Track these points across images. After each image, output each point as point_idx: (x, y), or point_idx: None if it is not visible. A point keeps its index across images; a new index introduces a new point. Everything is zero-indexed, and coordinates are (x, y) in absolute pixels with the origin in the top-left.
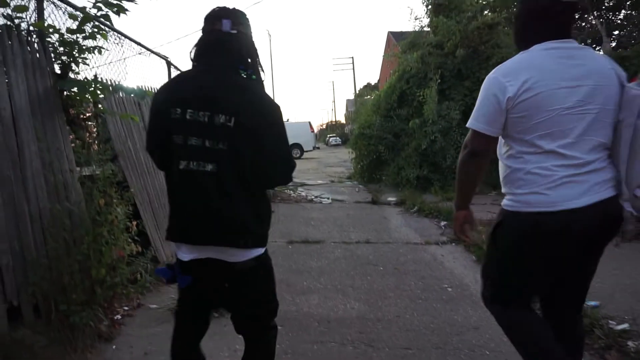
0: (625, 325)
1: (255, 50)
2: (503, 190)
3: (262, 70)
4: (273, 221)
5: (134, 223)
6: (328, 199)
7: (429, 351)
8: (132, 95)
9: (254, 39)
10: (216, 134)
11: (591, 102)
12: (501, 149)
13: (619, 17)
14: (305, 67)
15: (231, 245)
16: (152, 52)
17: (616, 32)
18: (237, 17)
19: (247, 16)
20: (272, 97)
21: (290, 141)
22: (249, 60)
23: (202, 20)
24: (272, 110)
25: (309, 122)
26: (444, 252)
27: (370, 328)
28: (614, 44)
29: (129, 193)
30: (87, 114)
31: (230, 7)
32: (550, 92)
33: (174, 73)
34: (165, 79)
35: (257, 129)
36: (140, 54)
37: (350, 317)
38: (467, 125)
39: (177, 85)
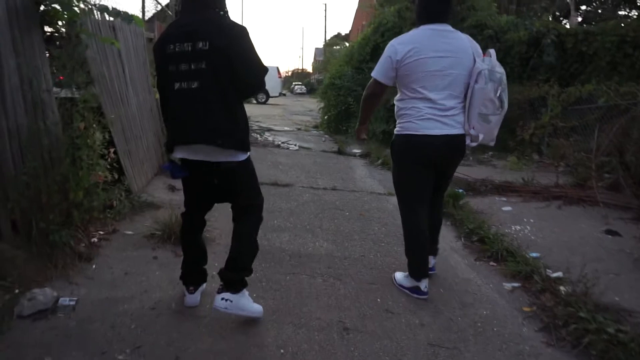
0: (559, 273)
1: None
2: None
3: (226, 10)
4: None
5: (111, 150)
6: (295, 145)
7: (391, 287)
8: (118, 18)
9: None
10: (197, 58)
11: (451, 69)
12: (396, 95)
13: None
14: (275, 10)
15: (213, 143)
16: None
17: (583, 7)
18: None
19: None
20: (239, 23)
21: None
22: (218, 2)
23: None
24: (238, 31)
25: (277, 67)
26: None
27: (337, 264)
28: (580, 19)
29: (106, 120)
30: (64, 34)
31: None
32: (426, 59)
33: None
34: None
35: (228, 48)
36: None
37: (319, 253)
38: (372, 75)
39: (169, 29)
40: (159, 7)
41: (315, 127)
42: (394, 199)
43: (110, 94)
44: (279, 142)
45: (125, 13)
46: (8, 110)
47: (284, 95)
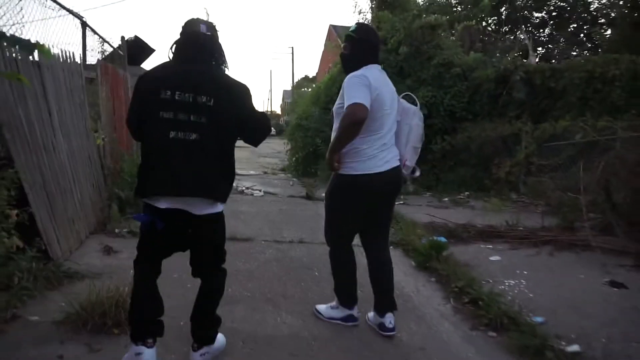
0: (575, 347)
1: (222, 48)
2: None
3: (227, 64)
4: None
5: (14, 212)
6: (260, 191)
7: None
8: (16, 47)
9: (220, 42)
10: (198, 111)
11: (393, 107)
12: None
13: (543, 35)
14: (243, 54)
15: (206, 196)
16: (65, 8)
17: (540, 49)
18: (210, 24)
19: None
20: (240, 81)
21: None
22: (220, 55)
23: (182, 25)
24: (243, 91)
25: None
26: None
27: (304, 348)
28: (537, 60)
29: (10, 173)
30: None
31: (205, 19)
32: (384, 98)
33: (91, 36)
34: (79, 42)
35: (232, 107)
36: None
37: (281, 334)
38: (353, 102)
39: (164, 72)
40: (105, 46)
41: (283, 170)
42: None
43: (28, 140)
44: (243, 188)
45: (27, 41)
46: None
47: None
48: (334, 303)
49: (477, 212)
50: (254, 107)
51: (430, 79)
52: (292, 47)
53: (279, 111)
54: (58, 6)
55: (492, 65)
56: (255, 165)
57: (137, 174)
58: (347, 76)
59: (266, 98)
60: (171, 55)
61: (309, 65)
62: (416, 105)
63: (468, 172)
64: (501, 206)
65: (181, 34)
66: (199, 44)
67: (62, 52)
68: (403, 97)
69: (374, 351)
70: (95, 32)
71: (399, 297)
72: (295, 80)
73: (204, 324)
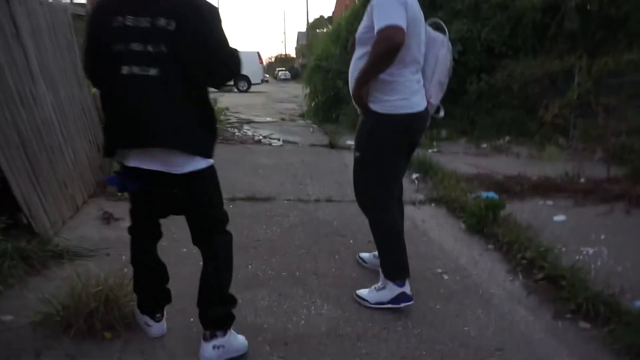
0: None
1: None
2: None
3: None
4: None
5: None
6: (278, 140)
7: None
8: None
9: None
10: (157, 38)
11: (422, 33)
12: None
13: None
14: None
15: (174, 147)
16: None
17: None
18: None
19: None
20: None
21: None
22: None
23: None
24: (213, 13)
25: (258, 53)
26: (424, 216)
27: (348, 352)
28: None
29: None
30: None
31: None
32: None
33: None
34: None
35: (198, 32)
36: None
37: (317, 332)
38: (389, 23)
39: None
40: None
41: (302, 115)
42: (407, 210)
43: None
44: (260, 137)
45: None
46: None
47: (267, 81)
48: (379, 283)
49: (524, 160)
50: (226, 37)
51: (465, 10)
52: None
53: (293, 54)
54: None
55: None
56: (272, 111)
57: (103, 130)
58: None
59: (280, 41)
60: None
61: (325, 3)
62: (444, 33)
63: (508, 114)
64: (553, 153)
65: None
66: None
67: None
68: (429, 25)
69: (440, 355)
70: None
71: (455, 272)
72: (310, 20)
73: (211, 301)
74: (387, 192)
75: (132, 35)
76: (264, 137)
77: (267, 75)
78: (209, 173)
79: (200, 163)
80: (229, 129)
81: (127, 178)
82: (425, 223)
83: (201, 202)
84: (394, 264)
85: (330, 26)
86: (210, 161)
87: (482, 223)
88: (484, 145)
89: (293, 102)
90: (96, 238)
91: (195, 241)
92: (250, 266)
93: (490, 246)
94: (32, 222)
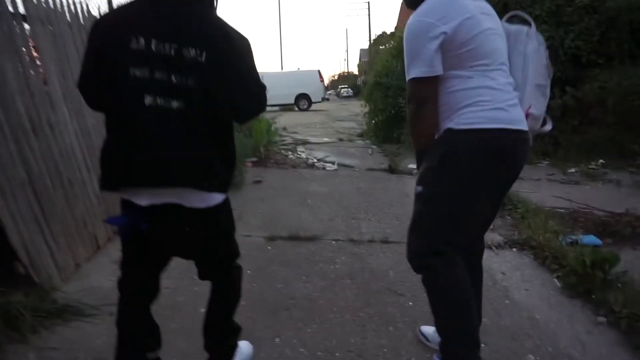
0: None
1: None
2: None
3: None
4: (257, 198)
5: None
6: (333, 163)
7: None
8: None
9: None
10: (184, 69)
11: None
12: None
13: None
14: (316, 11)
15: (194, 186)
16: None
17: None
18: None
19: None
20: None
21: (298, 91)
22: None
23: None
24: (246, 46)
25: (318, 71)
26: (505, 267)
27: None
28: None
29: None
30: None
31: None
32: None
33: None
34: None
35: (230, 65)
36: None
37: None
38: (411, 76)
39: (131, 12)
40: None
41: (361, 135)
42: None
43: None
44: (314, 160)
45: None
46: None
47: (327, 99)
48: None
49: (627, 190)
50: (257, 72)
51: (545, 15)
52: (368, 2)
53: (356, 71)
54: None
55: None
56: (330, 130)
57: (100, 158)
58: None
59: (343, 58)
60: None
61: (387, 20)
62: (529, 25)
63: (601, 133)
64: None
65: None
66: None
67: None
68: (507, 21)
69: None
70: None
71: (553, 358)
72: (373, 37)
73: (216, 333)
74: (454, 240)
75: (155, 62)
76: (318, 160)
77: (331, 92)
78: (225, 206)
79: (217, 198)
80: (282, 151)
81: (138, 217)
82: (507, 277)
83: (213, 239)
84: (457, 335)
85: (392, 42)
86: (224, 196)
87: (585, 284)
88: (572, 170)
89: (353, 121)
90: (107, 287)
91: (204, 277)
92: (277, 339)
93: (600, 318)
94: (31, 271)
